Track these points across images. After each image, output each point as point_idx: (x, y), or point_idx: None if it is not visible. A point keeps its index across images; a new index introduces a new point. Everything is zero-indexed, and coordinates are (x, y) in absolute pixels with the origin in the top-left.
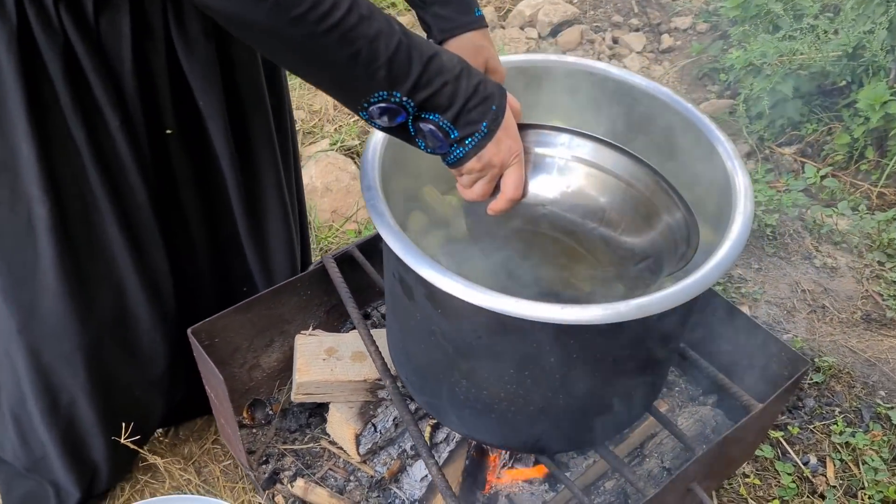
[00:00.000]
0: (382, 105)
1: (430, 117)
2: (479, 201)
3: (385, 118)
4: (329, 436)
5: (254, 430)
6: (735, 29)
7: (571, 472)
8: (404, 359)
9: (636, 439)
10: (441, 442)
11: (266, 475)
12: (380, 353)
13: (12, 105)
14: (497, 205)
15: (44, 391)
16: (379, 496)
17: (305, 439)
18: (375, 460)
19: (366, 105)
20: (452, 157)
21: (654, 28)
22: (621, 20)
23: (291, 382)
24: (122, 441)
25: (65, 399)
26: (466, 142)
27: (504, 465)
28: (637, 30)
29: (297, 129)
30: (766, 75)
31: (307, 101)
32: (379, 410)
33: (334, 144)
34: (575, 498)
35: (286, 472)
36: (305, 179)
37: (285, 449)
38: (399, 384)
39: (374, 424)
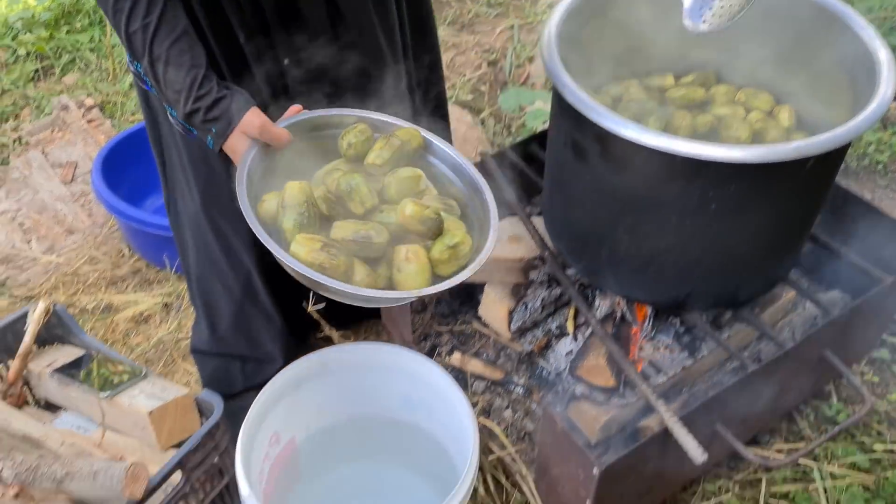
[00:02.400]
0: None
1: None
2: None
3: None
4: (480, 318)
5: (411, 315)
6: None
7: (708, 344)
8: (565, 229)
9: (769, 318)
10: (582, 324)
11: (426, 350)
12: (537, 231)
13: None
14: None
15: (228, 287)
16: (527, 368)
17: (458, 322)
18: (522, 340)
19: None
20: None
21: None
22: None
23: None
24: (307, 308)
25: (244, 290)
26: (207, 139)
27: (646, 337)
28: None
29: None
30: None
31: None
32: (529, 291)
33: (449, 99)
34: (717, 364)
35: (443, 348)
36: None
37: (440, 330)
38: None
39: (525, 303)
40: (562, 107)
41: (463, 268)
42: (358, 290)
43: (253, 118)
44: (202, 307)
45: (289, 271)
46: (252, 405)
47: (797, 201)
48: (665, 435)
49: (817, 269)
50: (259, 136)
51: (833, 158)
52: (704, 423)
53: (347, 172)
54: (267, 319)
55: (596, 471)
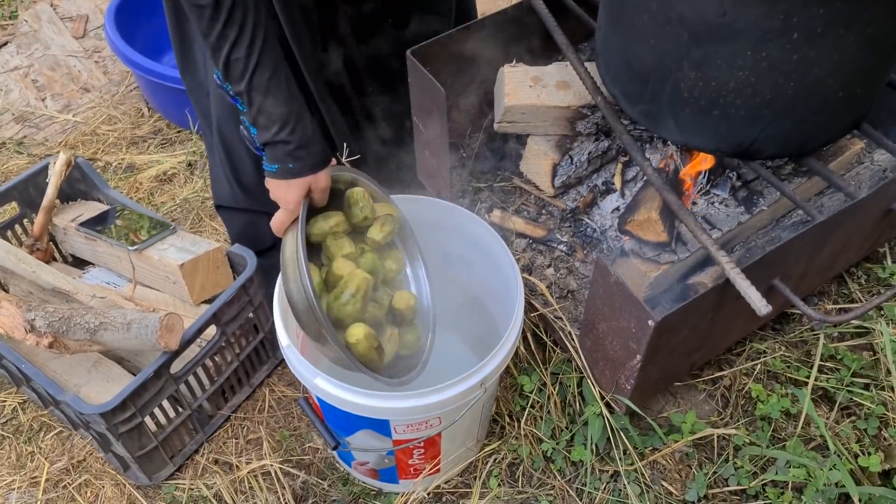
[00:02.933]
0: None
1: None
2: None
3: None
4: (521, 174)
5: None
6: None
7: (766, 199)
8: (622, 70)
9: (835, 168)
10: (630, 180)
11: (465, 206)
12: (589, 74)
13: None
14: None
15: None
16: (570, 226)
17: (498, 178)
18: (566, 197)
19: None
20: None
21: None
22: None
23: (484, 125)
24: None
25: None
26: (271, 166)
27: (700, 191)
28: None
29: None
30: None
31: None
32: (575, 144)
33: None
34: (778, 218)
35: (483, 205)
36: None
37: (479, 186)
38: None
39: (570, 156)
40: None
41: (410, 356)
42: (378, 377)
43: (324, 176)
44: (225, 157)
45: (323, 345)
46: None
47: (887, 29)
48: (721, 290)
49: (889, 119)
50: (315, 193)
51: None
52: (762, 278)
53: (369, 251)
54: None
55: (651, 322)
